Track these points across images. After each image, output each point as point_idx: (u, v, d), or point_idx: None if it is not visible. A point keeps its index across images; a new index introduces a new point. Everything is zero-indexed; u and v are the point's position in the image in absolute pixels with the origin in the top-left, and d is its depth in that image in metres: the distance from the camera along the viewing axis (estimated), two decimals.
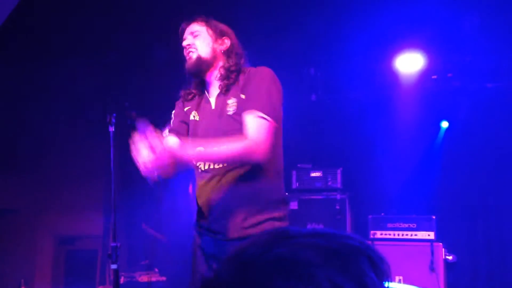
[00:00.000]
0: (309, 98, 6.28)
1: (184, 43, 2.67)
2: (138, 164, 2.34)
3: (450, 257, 5.38)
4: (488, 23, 5.26)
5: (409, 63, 5.77)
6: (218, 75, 2.63)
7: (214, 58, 2.64)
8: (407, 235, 5.52)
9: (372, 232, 5.63)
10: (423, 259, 5.37)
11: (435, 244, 5.38)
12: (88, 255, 7.72)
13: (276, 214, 2.57)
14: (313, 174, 6.00)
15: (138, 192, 7.23)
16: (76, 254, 7.89)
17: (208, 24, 2.71)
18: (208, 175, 2.61)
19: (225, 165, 2.56)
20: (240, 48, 2.71)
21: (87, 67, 6.53)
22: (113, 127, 3.09)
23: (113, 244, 2.96)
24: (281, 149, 2.72)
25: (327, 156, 6.30)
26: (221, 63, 2.65)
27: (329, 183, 5.92)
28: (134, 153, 2.33)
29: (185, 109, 2.76)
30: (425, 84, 5.87)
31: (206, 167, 2.62)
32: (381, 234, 5.60)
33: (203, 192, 2.65)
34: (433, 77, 5.84)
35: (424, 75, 5.82)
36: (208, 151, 2.44)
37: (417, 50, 5.63)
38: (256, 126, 2.46)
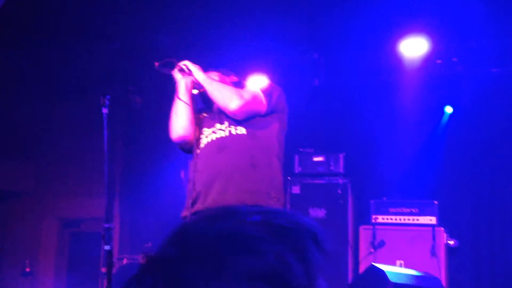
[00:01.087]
0: (312, 82, 6.25)
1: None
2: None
3: (451, 242, 5.38)
4: (494, 8, 5.20)
5: (413, 47, 5.72)
6: None
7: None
8: (409, 220, 5.52)
9: (373, 216, 5.63)
10: (425, 244, 5.37)
11: (436, 229, 5.37)
12: (92, 237, 7.77)
13: (272, 194, 2.64)
14: (315, 159, 5.99)
15: (143, 175, 7.27)
16: (80, 236, 7.94)
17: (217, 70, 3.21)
18: (211, 147, 2.85)
19: (232, 133, 2.84)
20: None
21: (92, 51, 6.54)
22: (107, 109, 3.11)
23: (106, 225, 2.99)
24: (283, 151, 3.00)
25: (329, 140, 6.29)
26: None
27: (332, 168, 5.91)
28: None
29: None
30: (429, 69, 5.82)
31: (214, 138, 2.85)
32: (383, 218, 5.60)
33: (203, 166, 2.80)
34: (437, 61, 5.78)
35: (429, 59, 5.76)
36: (210, 77, 3.00)
37: (422, 34, 5.58)
38: (247, 89, 2.93)
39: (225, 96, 2.83)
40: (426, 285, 3.80)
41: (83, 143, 7.62)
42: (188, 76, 3.01)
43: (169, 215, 7.13)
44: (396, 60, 5.83)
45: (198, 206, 2.72)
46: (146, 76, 6.75)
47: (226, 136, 2.83)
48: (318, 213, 5.85)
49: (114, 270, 5.85)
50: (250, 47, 5.83)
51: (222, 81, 3.05)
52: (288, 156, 5.99)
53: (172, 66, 3.05)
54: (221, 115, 2.94)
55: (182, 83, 3.03)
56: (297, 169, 6.05)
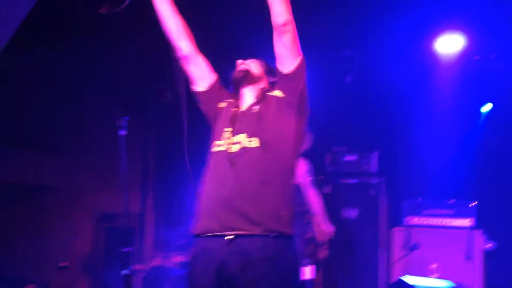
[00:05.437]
0: (344, 79, 6.10)
1: (239, 60, 2.95)
2: None
3: (489, 245, 5.21)
4: None
5: (450, 44, 5.51)
6: (257, 94, 2.87)
7: (259, 79, 2.91)
8: (444, 222, 5.36)
9: (407, 218, 5.49)
10: (461, 246, 5.23)
11: (473, 232, 5.21)
12: (126, 232, 7.81)
13: (282, 213, 2.57)
14: (348, 158, 5.87)
15: (177, 172, 7.26)
16: (114, 231, 7.99)
17: (264, 61, 2.98)
18: (223, 158, 2.66)
19: (245, 145, 2.66)
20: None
21: (122, 48, 6.53)
22: (125, 131, 3.02)
23: (125, 249, 2.89)
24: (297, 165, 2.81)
25: (363, 139, 6.14)
26: (262, 85, 2.90)
27: (365, 167, 5.78)
28: None
29: (223, 93, 2.98)
30: (466, 65, 5.61)
31: (227, 148, 2.68)
32: (417, 220, 5.46)
33: (214, 179, 2.67)
34: (475, 57, 5.56)
35: (466, 55, 5.55)
36: None
37: (459, 30, 5.37)
38: None
39: (285, 2, 2.60)
40: None
41: (117, 137, 7.64)
42: None
43: None
44: (431, 56, 5.63)
45: (207, 225, 2.60)
46: (177, 71, 6.71)
47: (239, 149, 2.66)
48: (350, 213, 5.74)
49: (145, 272, 5.88)
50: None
51: (261, 65, 2.93)
52: (320, 155, 5.91)
53: None
54: (242, 116, 2.78)
55: None
56: (329, 168, 5.93)
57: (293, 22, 2.64)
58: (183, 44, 2.89)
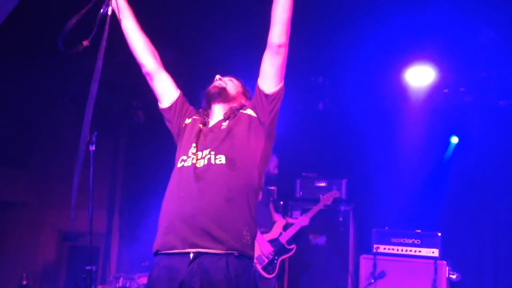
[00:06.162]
0: (317, 106, 6.16)
1: (218, 76, 2.96)
2: None
3: (454, 276, 5.27)
4: (505, 38, 5.10)
5: (420, 76, 5.62)
6: (226, 111, 2.85)
7: (232, 99, 2.91)
8: (410, 251, 5.41)
9: (375, 246, 5.52)
10: (426, 276, 5.26)
11: (439, 262, 5.26)
12: (90, 251, 7.68)
13: (244, 232, 2.54)
14: (317, 184, 5.90)
15: (144, 190, 7.20)
16: (78, 251, 7.86)
17: (241, 83, 3.02)
18: (189, 173, 2.61)
19: (211, 162, 2.63)
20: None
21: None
22: (94, 146, 3.01)
23: (88, 267, 2.85)
24: (262, 184, 2.81)
25: (333, 166, 6.19)
26: (234, 105, 2.89)
27: None
28: None
29: (187, 109, 2.97)
30: (436, 98, 5.72)
31: (193, 163, 2.64)
32: (385, 248, 5.49)
33: (179, 193, 2.61)
34: (444, 90, 5.68)
35: (436, 88, 5.66)
36: None
37: (429, 63, 5.48)
38: None
39: (287, 26, 2.61)
40: None
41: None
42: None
43: None
44: (402, 87, 5.73)
45: (169, 242, 2.54)
46: (150, 90, 6.68)
47: (204, 165, 2.63)
48: (318, 240, 5.75)
49: None
50: (254, 68, 5.74)
51: (239, 87, 2.94)
52: (290, 180, 5.93)
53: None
54: (208, 132, 2.77)
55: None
56: (298, 193, 5.96)
57: (287, 47, 2.66)
58: (147, 60, 2.89)
